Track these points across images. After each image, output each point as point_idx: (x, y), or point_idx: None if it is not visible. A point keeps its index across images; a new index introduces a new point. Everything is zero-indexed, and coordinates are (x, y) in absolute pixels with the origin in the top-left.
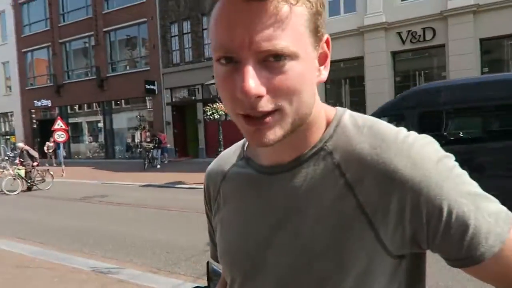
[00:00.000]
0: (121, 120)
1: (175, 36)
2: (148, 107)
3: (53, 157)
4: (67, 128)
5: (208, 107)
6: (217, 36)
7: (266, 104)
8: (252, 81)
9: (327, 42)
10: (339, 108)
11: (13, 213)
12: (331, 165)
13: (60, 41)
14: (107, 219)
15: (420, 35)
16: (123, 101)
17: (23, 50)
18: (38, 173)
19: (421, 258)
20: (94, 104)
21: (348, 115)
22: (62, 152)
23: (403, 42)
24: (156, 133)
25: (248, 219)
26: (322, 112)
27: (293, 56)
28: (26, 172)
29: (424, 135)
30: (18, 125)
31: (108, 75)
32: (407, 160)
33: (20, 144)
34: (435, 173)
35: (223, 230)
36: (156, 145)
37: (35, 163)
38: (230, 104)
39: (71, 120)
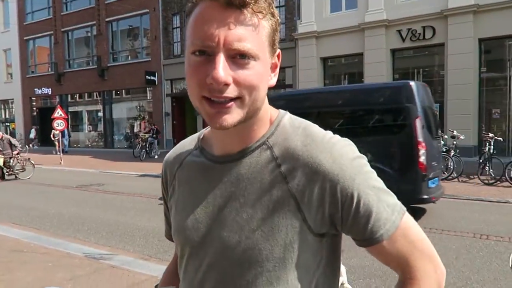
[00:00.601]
0: (121, 110)
1: (176, 27)
2: (148, 98)
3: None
4: (66, 117)
5: None
6: (196, 33)
7: (231, 92)
8: (222, 71)
9: (278, 56)
10: (281, 111)
11: (9, 200)
12: (270, 157)
13: (63, 29)
14: (102, 207)
15: (420, 34)
16: (123, 91)
17: (25, 38)
18: (18, 162)
19: (338, 239)
20: (94, 93)
21: (287, 117)
22: (62, 140)
23: (403, 40)
24: (153, 123)
25: (200, 201)
26: (268, 112)
27: (255, 57)
28: (4, 161)
29: (345, 139)
30: (18, 112)
31: (109, 65)
32: (329, 156)
33: None
34: (350, 168)
35: (177, 211)
36: (154, 135)
37: (15, 152)
38: (198, 89)
39: (71, 109)
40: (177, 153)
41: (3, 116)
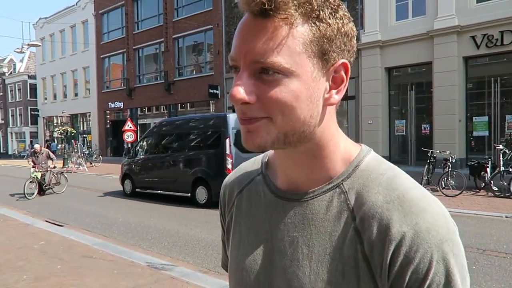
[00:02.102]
0: None
1: None
2: (211, 111)
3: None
4: (135, 129)
5: None
6: (232, 47)
7: (255, 112)
8: (240, 88)
9: (345, 67)
10: (364, 147)
11: (80, 207)
12: (344, 206)
13: (134, 47)
14: (166, 217)
15: (497, 39)
16: (188, 104)
17: (101, 56)
18: (54, 176)
19: None
20: (161, 106)
21: (371, 158)
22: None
23: (478, 46)
24: None
25: (258, 240)
26: (338, 145)
27: (286, 73)
28: (41, 175)
29: (436, 200)
30: (94, 125)
31: (175, 79)
32: (416, 227)
33: (37, 146)
34: (440, 244)
35: (233, 244)
36: None
37: (51, 165)
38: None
39: (140, 122)
40: (238, 177)
41: (82, 128)
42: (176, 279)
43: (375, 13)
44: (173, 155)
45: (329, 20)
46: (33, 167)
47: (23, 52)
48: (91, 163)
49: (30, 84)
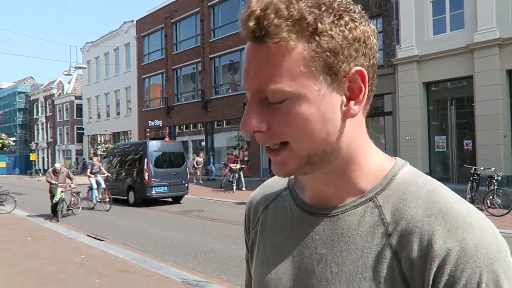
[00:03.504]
0: (222, 140)
1: None
2: None
3: (198, 173)
4: None
5: None
6: None
7: (270, 139)
8: (248, 117)
9: (361, 75)
10: (399, 160)
11: (118, 222)
12: (378, 221)
13: (173, 67)
14: (201, 233)
15: None
16: (224, 121)
17: (142, 77)
18: (73, 196)
19: None
20: (198, 124)
21: (408, 171)
22: (212, 167)
23: None
24: (235, 154)
25: (283, 257)
26: (369, 157)
27: (290, 97)
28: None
29: (489, 220)
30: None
31: (211, 97)
32: (462, 243)
33: (57, 165)
34: (487, 271)
35: (257, 263)
36: (243, 166)
37: (72, 185)
38: None
39: (178, 139)
40: (263, 193)
41: None
42: None
43: (411, 28)
44: (118, 169)
45: (330, 32)
46: (57, 186)
47: (71, 75)
48: None
49: (76, 104)
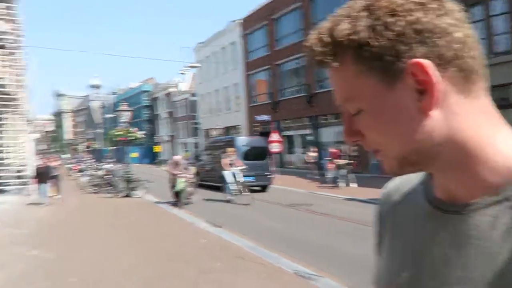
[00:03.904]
0: (329, 134)
1: None
2: None
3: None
4: (281, 140)
5: None
6: None
7: (367, 147)
8: (345, 129)
9: (420, 67)
10: None
11: (232, 211)
12: None
13: (277, 63)
14: (311, 228)
15: None
16: (329, 115)
17: (248, 73)
18: (190, 185)
19: None
20: (304, 118)
21: None
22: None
23: None
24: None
25: (407, 255)
26: (496, 145)
27: (359, 110)
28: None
29: None
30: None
31: (316, 91)
32: None
33: (177, 157)
34: None
35: (381, 258)
36: (350, 162)
37: (190, 176)
38: None
39: (285, 133)
40: (398, 185)
41: None
42: None
43: None
44: (213, 161)
45: (377, 34)
46: (178, 176)
47: (185, 73)
48: None
49: (191, 100)
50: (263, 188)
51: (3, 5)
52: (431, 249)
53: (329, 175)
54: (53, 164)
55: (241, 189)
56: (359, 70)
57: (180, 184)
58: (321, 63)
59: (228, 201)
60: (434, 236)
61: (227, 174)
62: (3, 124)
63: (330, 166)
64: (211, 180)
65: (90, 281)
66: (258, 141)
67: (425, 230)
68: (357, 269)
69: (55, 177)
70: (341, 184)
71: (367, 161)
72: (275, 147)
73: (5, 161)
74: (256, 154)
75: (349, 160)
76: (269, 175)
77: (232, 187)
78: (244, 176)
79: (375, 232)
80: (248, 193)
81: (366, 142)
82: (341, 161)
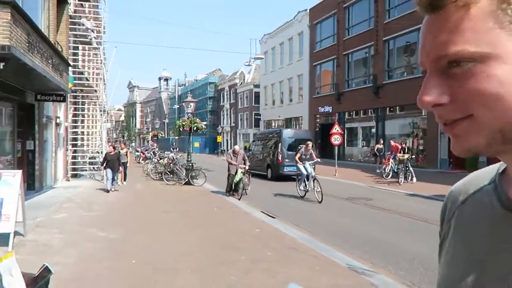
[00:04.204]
0: (394, 127)
1: None
2: (423, 114)
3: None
4: (342, 133)
5: None
6: None
7: (451, 113)
8: (426, 90)
9: None
10: None
11: (288, 201)
12: None
13: (344, 53)
14: (368, 222)
15: None
16: (397, 107)
17: (314, 64)
18: (246, 177)
19: None
20: (369, 110)
21: None
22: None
23: None
24: (401, 142)
25: (471, 261)
26: None
27: (478, 58)
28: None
29: None
30: (305, 128)
31: (384, 82)
32: None
33: (236, 147)
34: None
35: (445, 261)
36: (412, 156)
37: (246, 167)
38: None
39: (347, 125)
40: (464, 185)
41: None
42: (376, 287)
43: None
44: (261, 151)
45: None
46: (237, 167)
47: (250, 65)
48: None
49: (255, 92)
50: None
51: (90, 4)
52: (498, 255)
53: (387, 169)
54: (122, 151)
55: (314, 185)
56: (499, 9)
57: (238, 174)
58: None
59: (302, 197)
60: (504, 242)
61: (302, 168)
62: (83, 114)
63: (388, 160)
64: (259, 169)
65: (148, 263)
66: (302, 133)
67: (494, 234)
68: (415, 267)
69: (123, 164)
70: (401, 178)
71: (435, 155)
72: (336, 139)
73: (84, 148)
74: (301, 144)
75: (412, 154)
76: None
77: (304, 182)
78: (288, 166)
79: (439, 233)
80: (320, 189)
81: (453, 107)
82: (402, 156)
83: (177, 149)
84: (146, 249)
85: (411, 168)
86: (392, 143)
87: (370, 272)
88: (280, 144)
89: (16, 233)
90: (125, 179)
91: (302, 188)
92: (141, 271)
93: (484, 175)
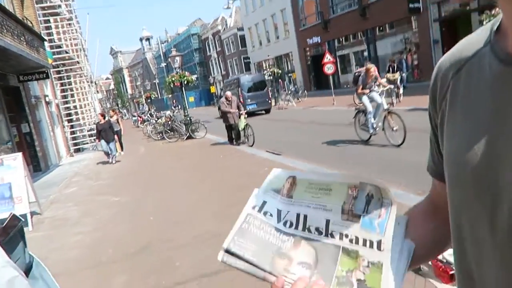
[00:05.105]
0: (386, 46)
1: None
2: (413, 28)
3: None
4: (334, 61)
5: (484, 15)
6: None
7: None
8: None
9: None
10: None
11: (292, 137)
12: None
13: None
14: (372, 143)
15: None
16: (386, 26)
17: None
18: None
19: None
20: (358, 34)
21: None
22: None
23: None
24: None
25: (478, 126)
26: None
27: None
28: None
29: None
30: (296, 63)
31: (369, 1)
32: None
33: (228, 93)
34: None
35: (447, 137)
36: (402, 74)
37: (243, 113)
38: None
39: (339, 53)
40: (455, 54)
41: (286, 68)
42: None
43: None
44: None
45: None
46: (231, 113)
47: (230, 8)
48: (298, 99)
49: (239, 35)
50: (266, 111)
51: None
52: (507, 113)
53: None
54: (112, 119)
55: (385, 121)
56: None
57: (242, 121)
58: None
59: (365, 141)
60: (508, 96)
61: (366, 101)
62: (71, 88)
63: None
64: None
65: (165, 219)
66: (258, 76)
67: (498, 95)
68: (423, 176)
69: (116, 132)
70: (394, 99)
71: (430, 67)
72: (328, 69)
73: (80, 122)
74: (257, 87)
75: (402, 72)
76: (269, 101)
77: (371, 120)
78: (248, 104)
79: (429, 114)
80: (397, 127)
81: None
82: (392, 75)
83: (179, 106)
84: (160, 206)
85: (401, 89)
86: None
87: None
88: (240, 88)
89: (33, 213)
90: (122, 148)
91: (370, 126)
92: (159, 227)
93: (476, 39)
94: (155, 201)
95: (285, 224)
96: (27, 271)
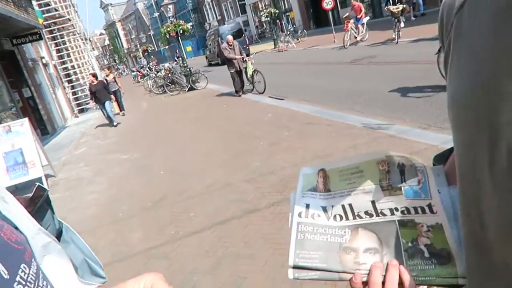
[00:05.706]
0: None
1: None
2: None
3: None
4: None
5: None
6: None
7: None
8: None
9: None
10: None
11: (295, 80)
12: None
13: None
14: (376, 80)
15: None
16: None
17: None
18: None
19: None
20: None
21: None
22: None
23: None
24: None
25: (480, 64)
26: None
27: None
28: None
29: None
30: (293, 0)
31: None
32: None
33: (230, 37)
34: None
35: (450, 76)
36: (404, 6)
37: (246, 58)
38: None
39: None
40: None
41: (283, 8)
42: (394, 137)
43: None
44: (212, 45)
45: None
46: (236, 59)
47: None
48: (297, 39)
49: None
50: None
51: None
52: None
53: (346, 37)
54: (109, 78)
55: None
56: None
57: (249, 67)
58: None
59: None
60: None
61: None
62: (66, 47)
63: (347, 25)
64: (213, 59)
65: (175, 171)
66: (236, 25)
67: (499, 29)
68: (427, 109)
69: (114, 93)
70: (395, 34)
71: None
72: (327, 4)
73: (80, 82)
74: (234, 36)
75: (403, 4)
76: (246, 47)
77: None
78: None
79: (439, 46)
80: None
81: None
82: (395, 8)
83: (182, 56)
84: (169, 159)
85: (402, 22)
86: (354, 2)
87: (386, 125)
88: (219, 37)
89: (48, 176)
90: (122, 109)
91: None
92: (171, 180)
93: None
94: (163, 155)
95: (335, 218)
96: (58, 236)
